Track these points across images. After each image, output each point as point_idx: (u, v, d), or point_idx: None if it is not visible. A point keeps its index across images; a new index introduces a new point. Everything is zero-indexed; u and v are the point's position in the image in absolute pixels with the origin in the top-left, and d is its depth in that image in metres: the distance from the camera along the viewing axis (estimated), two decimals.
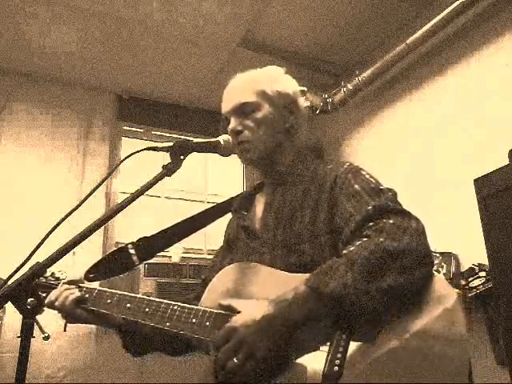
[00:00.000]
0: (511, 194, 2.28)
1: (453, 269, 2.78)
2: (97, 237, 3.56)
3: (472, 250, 2.66)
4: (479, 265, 2.59)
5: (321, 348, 0.88)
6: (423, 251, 0.88)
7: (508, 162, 2.37)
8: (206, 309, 1.01)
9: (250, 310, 0.91)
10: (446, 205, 2.97)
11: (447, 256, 2.82)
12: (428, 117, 3.36)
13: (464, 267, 2.76)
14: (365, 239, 0.91)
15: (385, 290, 0.82)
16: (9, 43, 3.47)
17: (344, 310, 0.82)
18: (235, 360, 0.85)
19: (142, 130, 4.29)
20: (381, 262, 0.84)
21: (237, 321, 0.91)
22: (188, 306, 1.05)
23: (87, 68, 3.81)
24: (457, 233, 2.83)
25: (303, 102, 1.31)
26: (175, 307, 1.06)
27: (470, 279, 2.58)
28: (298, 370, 0.88)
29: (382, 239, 0.88)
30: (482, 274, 2.53)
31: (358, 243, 0.91)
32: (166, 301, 1.09)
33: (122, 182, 3.94)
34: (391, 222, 0.92)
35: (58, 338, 3.18)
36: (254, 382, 0.88)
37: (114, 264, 1.37)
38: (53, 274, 1.34)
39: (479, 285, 2.52)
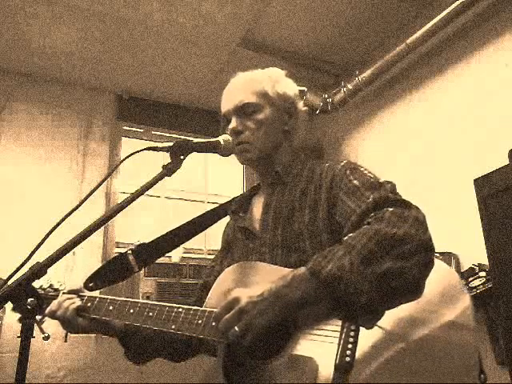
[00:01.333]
0: (511, 194, 2.28)
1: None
2: (97, 237, 3.56)
3: (472, 250, 2.66)
4: (479, 265, 2.59)
5: (331, 341, 0.89)
6: (423, 238, 0.89)
7: (508, 162, 2.36)
8: (212, 309, 1.00)
9: (254, 289, 0.93)
10: (446, 205, 2.97)
11: (447, 256, 2.82)
12: (428, 117, 3.36)
13: (464, 267, 2.75)
14: (365, 226, 0.92)
15: (380, 274, 0.83)
16: (9, 43, 3.47)
17: (340, 292, 0.83)
18: (236, 329, 0.87)
19: (141, 130, 4.28)
20: (379, 248, 0.85)
21: (240, 292, 0.93)
22: (193, 307, 1.04)
23: (87, 68, 3.81)
24: (457, 233, 2.83)
25: (302, 105, 1.32)
26: (180, 309, 1.05)
27: (470, 279, 2.57)
28: (309, 365, 0.89)
29: (381, 226, 0.89)
30: (482, 273, 2.53)
31: (358, 230, 0.92)
32: (168, 304, 1.08)
33: (122, 181, 3.94)
34: (391, 210, 0.93)
35: (57, 338, 3.17)
36: (255, 356, 0.92)
37: (113, 271, 1.36)
38: (51, 285, 1.32)
39: (479, 285, 2.51)
